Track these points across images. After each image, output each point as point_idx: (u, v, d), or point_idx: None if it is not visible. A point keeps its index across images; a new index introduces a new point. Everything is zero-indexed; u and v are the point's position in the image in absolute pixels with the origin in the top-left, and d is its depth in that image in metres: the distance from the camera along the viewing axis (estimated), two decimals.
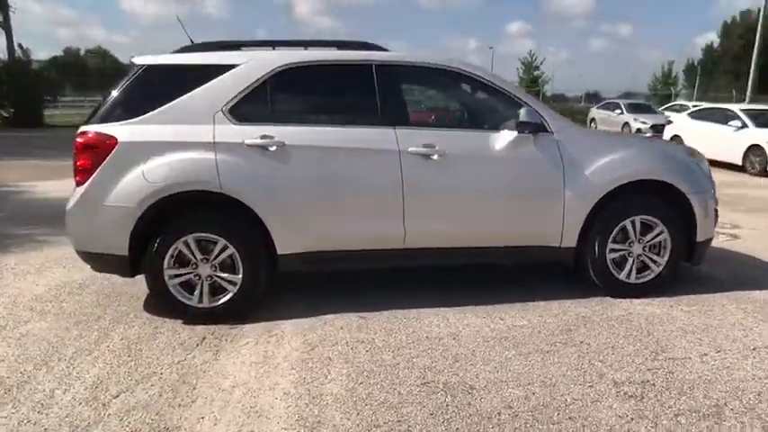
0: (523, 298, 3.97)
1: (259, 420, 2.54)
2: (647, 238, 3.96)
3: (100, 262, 3.66)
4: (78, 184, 3.57)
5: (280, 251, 3.63)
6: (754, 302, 3.93)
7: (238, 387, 2.83)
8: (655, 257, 4.00)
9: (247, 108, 3.61)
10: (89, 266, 3.82)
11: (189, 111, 3.57)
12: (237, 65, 3.65)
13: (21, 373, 2.97)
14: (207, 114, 3.57)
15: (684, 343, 3.29)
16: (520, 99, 3.88)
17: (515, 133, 3.75)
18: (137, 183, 3.46)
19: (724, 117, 12.30)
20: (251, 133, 3.56)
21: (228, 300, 3.63)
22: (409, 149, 3.64)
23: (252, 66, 3.65)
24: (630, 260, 3.98)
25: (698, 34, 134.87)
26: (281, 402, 2.68)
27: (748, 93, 22.63)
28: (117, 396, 2.75)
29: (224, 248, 3.57)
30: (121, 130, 3.50)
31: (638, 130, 18.51)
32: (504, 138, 3.76)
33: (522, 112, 3.68)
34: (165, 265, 3.55)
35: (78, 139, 3.55)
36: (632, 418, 2.53)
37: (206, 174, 3.49)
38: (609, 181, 3.82)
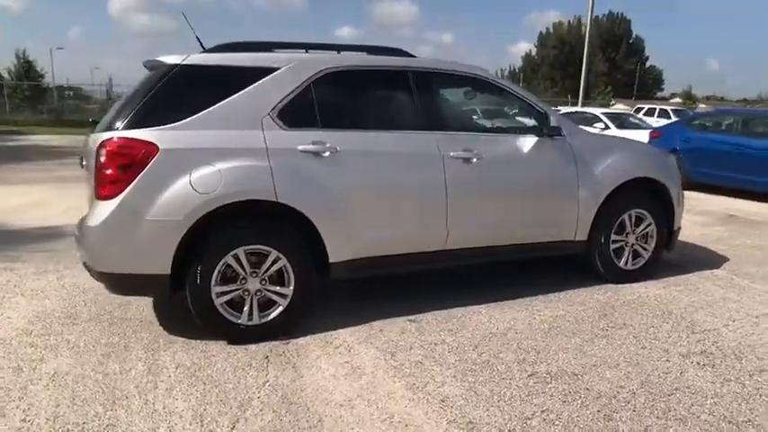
0: (536, 292, 4.22)
1: (409, 429, 2.48)
2: (639, 229, 4.48)
3: (131, 283, 3.23)
4: (106, 197, 3.12)
5: (332, 259, 3.50)
6: (722, 280, 4.64)
7: (355, 400, 2.71)
8: (645, 246, 4.53)
9: (294, 112, 3.44)
10: (109, 289, 3.35)
11: (234, 115, 3.31)
12: (279, 68, 3.45)
13: (95, 415, 2.54)
14: (254, 119, 3.34)
15: (703, 317, 3.80)
16: (534, 104, 4.16)
17: (538, 137, 4.02)
18: (184, 193, 3.12)
19: (587, 120, 13.94)
20: (302, 139, 3.40)
21: (278, 314, 3.42)
22: (450, 154, 3.73)
23: (295, 69, 3.48)
24: (627, 250, 4.47)
25: (512, 44, 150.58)
26: (416, 409, 2.63)
27: (580, 97, 25.59)
28: (233, 426, 2.49)
29: (276, 260, 3.36)
30: (162, 136, 3.13)
31: None
32: (530, 141, 4.01)
33: (553, 118, 3.97)
34: (213, 282, 3.25)
35: (105, 147, 3.10)
36: (722, 381, 2.90)
37: (262, 182, 3.26)
38: (614, 179, 4.26)
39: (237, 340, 3.33)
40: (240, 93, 3.34)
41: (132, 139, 3.11)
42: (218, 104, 3.29)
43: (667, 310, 3.92)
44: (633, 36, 63.39)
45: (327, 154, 3.43)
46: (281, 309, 3.42)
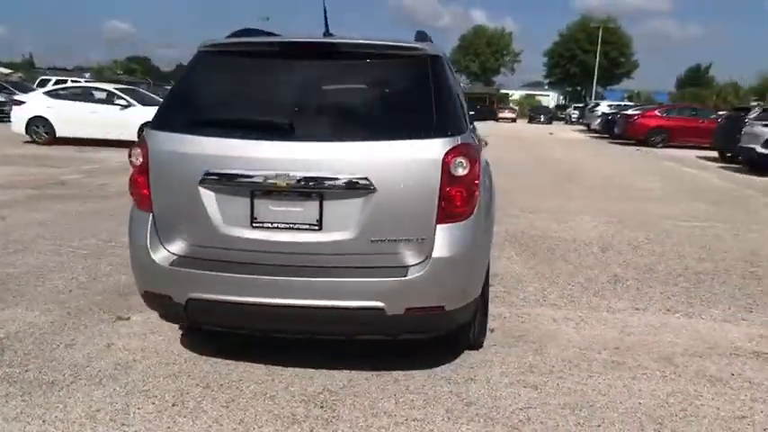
0: None
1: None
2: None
3: (464, 314, 2.61)
4: (460, 216, 2.46)
5: None
6: (541, 216, 6.42)
7: (689, 346, 3.09)
8: None
9: None
10: (433, 332, 2.63)
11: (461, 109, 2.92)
12: None
13: None
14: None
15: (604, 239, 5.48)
16: None
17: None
18: (487, 200, 2.84)
19: (91, 95, 12.92)
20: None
21: None
22: None
23: None
24: None
25: None
26: (734, 330, 3.34)
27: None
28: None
29: None
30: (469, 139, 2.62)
31: None
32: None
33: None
34: None
35: (466, 156, 2.41)
36: (698, 260, 4.73)
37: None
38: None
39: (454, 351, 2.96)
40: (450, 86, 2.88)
41: (469, 145, 2.51)
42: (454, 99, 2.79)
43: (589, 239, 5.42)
44: None
45: None
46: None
